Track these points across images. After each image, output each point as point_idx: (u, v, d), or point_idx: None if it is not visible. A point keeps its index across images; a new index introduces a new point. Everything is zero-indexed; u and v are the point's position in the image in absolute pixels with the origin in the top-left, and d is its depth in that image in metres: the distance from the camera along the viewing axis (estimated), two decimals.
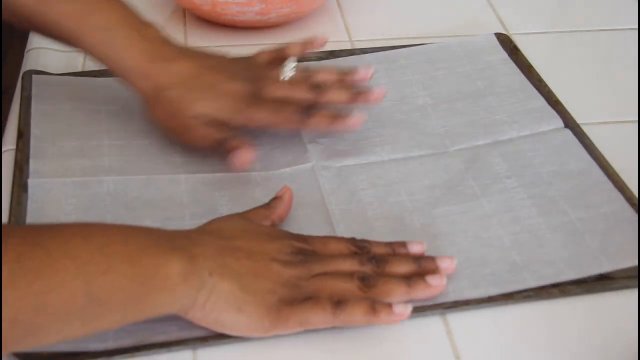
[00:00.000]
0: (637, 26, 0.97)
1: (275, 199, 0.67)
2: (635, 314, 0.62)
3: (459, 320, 0.61)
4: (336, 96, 0.74)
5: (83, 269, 0.50)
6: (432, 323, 0.61)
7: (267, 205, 0.66)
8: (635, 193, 0.71)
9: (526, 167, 0.74)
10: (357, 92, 0.75)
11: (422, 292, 0.60)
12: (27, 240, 0.49)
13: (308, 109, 0.72)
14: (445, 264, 0.62)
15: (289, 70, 0.75)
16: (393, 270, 0.61)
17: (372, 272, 0.60)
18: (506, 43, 0.90)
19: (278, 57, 0.77)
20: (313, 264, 0.60)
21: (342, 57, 0.88)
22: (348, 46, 0.92)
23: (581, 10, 1.01)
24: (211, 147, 0.71)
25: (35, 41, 0.90)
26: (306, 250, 0.61)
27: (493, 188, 0.72)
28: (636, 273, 0.64)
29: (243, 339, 0.58)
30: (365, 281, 0.59)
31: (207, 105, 0.71)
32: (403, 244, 0.64)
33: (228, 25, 0.93)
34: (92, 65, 0.85)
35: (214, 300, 0.56)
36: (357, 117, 0.73)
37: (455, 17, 0.98)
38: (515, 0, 1.01)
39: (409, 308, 0.58)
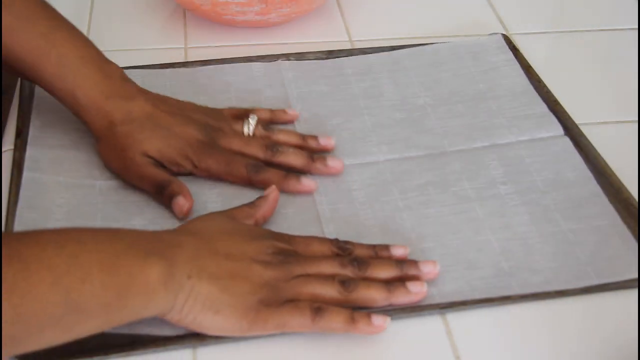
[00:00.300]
0: (637, 26, 0.97)
1: (260, 198, 0.67)
2: (635, 314, 0.62)
3: (458, 320, 0.61)
4: (291, 159, 0.72)
5: (60, 280, 0.50)
6: (432, 323, 0.61)
7: (252, 204, 0.66)
8: (634, 194, 0.71)
9: (522, 173, 0.73)
10: (313, 159, 0.72)
11: (403, 298, 0.60)
12: (4, 252, 0.48)
13: (257, 166, 0.70)
14: (427, 269, 0.62)
15: (250, 125, 0.74)
16: (374, 274, 0.61)
17: (353, 275, 0.60)
18: (508, 44, 0.90)
19: (242, 114, 0.76)
20: (294, 265, 0.59)
21: (341, 57, 0.88)
22: (348, 46, 0.92)
23: (581, 10, 1.01)
24: (153, 189, 0.69)
25: None
26: (287, 250, 0.61)
27: (487, 192, 0.71)
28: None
29: (243, 338, 0.58)
30: (345, 285, 0.59)
31: (156, 145, 0.70)
32: (386, 247, 0.64)
33: (228, 25, 0.93)
34: None
35: (192, 302, 0.55)
36: (308, 184, 0.71)
37: (455, 17, 0.97)
38: (515, 0, 1.01)
39: (387, 320, 0.58)
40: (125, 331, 0.57)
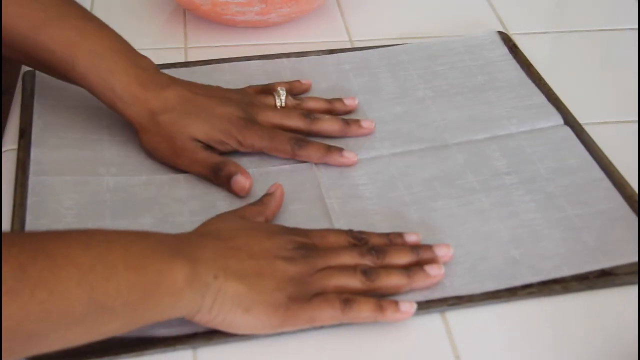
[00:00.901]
0: (637, 26, 0.97)
1: (267, 195, 0.67)
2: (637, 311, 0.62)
3: (458, 318, 0.61)
4: (329, 126, 0.76)
5: (86, 277, 0.50)
6: (432, 322, 0.61)
7: (260, 202, 0.67)
8: (636, 190, 0.71)
9: (525, 162, 0.74)
10: (348, 124, 0.76)
11: (422, 282, 0.61)
12: (29, 248, 0.49)
13: (300, 140, 0.73)
14: (442, 252, 0.64)
15: (281, 97, 0.77)
16: (393, 261, 0.62)
17: (373, 264, 0.61)
18: (506, 42, 0.90)
19: (265, 90, 0.79)
20: (316, 259, 0.60)
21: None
22: (348, 46, 0.92)
23: (581, 10, 1.01)
24: (208, 171, 0.71)
25: None
26: (307, 244, 0.61)
27: (492, 183, 0.72)
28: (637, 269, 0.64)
29: (243, 338, 0.58)
30: (367, 274, 0.60)
31: (202, 128, 0.72)
32: (400, 235, 0.65)
33: (228, 25, 0.93)
34: None
35: (221, 302, 0.56)
36: (350, 156, 0.73)
37: (455, 17, 0.98)
38: (515, 0, 1.01)
39: (414, 306, 0.59)
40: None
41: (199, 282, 0.55)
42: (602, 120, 0.82)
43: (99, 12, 0.96)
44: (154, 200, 0.69)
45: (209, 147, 0.72)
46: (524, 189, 0.71)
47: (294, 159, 0.73)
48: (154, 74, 0.73)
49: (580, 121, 0.79)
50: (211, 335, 0.58)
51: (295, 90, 0.81)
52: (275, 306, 0.57)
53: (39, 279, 0.48)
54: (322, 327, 0.59)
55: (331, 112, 0.78)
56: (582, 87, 0.87)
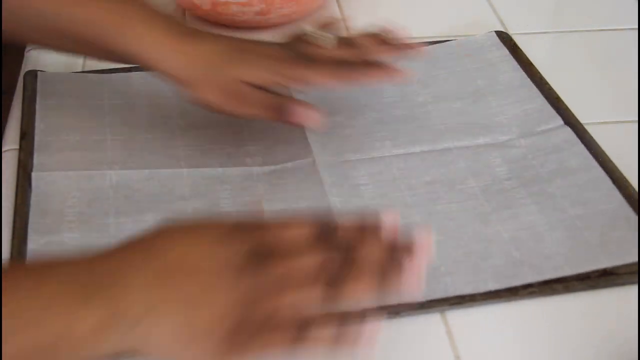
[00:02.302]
0: (637, 26, 0.97)
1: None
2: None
3: (458, 318, 0.61)
4: (381, 50, 0.72)
5: None
6: (432, 322, 0.61)
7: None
8: (637, 189, 0.71)
9: (526, 168, 0.74)
10: (399, 44, 0.72)
11: (394, 299, 0.51)
12: None
13: (347, 62, 0.69)
14: (420, 257, 0.52)
15: (327, 37, 0.71)
16: (363, 258, 0.51)
17: (339, 266, 0.50)
18: (506, 42, 0.90)
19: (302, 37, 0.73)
20: (270, 269, 0.50)
21: None
22: None
23: (581, 10, 1.01)
24: (271, 112, 0.68)
25: None
26: (261, 249, 0.51)
27: (493, 188, 0.72)
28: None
29: None
30: (331, 284, 0.50)
31: (252, 68, 0.68)
32: (375, 226, 0.53)
33: (228, 25, 0.93)
34: (92, 65, 0.85)
35: (157, 339, 0.48)
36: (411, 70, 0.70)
37: (455, 17, 0.98)
38: (515, 0, 1.01)
39: (379, 330, 0.49)
40: None
41: (124, 321, 0.47)
42: (602, 120, 0.82)
43: None
44: (157, 198, 0.69)
45: (265, 87, 0.68)
46: (525, 192, 0.71)
47: (362, 81, 0.70)
48: (188, 29, 0.70)
49: (581, 121, 0.79)
50: None
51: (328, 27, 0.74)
52: (217, 341, 0.48)
53: None
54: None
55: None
56: (582, 87, 0.87)
